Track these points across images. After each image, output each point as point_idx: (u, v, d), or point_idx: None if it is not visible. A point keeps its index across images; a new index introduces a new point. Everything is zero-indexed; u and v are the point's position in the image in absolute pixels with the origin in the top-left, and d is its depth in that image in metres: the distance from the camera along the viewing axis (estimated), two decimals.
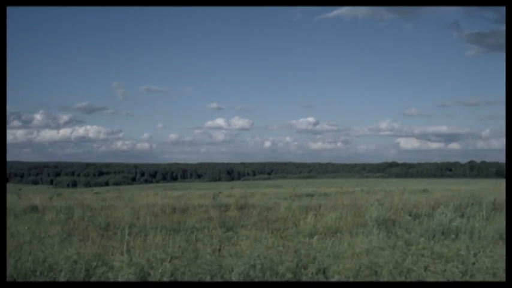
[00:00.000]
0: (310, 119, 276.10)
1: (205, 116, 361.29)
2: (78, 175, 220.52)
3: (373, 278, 6.66)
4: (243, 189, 34.96)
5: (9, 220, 12.43)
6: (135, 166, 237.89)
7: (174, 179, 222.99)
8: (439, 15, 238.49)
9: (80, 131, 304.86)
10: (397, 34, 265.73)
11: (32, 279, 6.81)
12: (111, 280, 6.66)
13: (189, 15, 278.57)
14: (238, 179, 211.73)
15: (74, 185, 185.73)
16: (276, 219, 13.44)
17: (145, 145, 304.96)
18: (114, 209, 16.21)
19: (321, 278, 6.72)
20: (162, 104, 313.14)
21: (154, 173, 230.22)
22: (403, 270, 6.93)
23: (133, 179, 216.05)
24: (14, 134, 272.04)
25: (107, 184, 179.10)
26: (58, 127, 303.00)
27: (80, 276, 6.88)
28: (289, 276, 6.71)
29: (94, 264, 7.22)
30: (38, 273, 6.92)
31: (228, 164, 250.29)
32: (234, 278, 6.70)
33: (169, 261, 7.14)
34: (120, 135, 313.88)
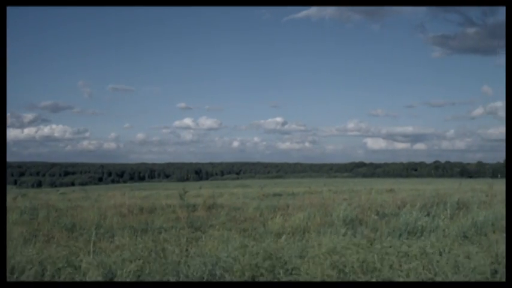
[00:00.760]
0: (279, 119, 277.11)
1: (173, 116, 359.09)
2: (43, 175, 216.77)
3: (340, 277, 6.72)
4: (211, 189, 34.82)
5: None
6: (102, 166, 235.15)
7: (141, 179, 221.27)
8: (405, 17, 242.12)
9: (45, 130, 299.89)
10: (364, 35, 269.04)
11: None
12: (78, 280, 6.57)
13: (157, 16, 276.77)
14: (207, 179, 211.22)
15: (39, 185, 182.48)
16: (244, 219, 13.44)
17: (112, 145, 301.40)
18: (80, 210, 15.96)
19: (288, 278, 6.75)
20: (129, 104, 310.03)
21: (121, 173, 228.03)
22: (370, 269, 7.01)
23: (100, 179, 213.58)
24: None
25: (72, 184, 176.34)
26: (22, 126, 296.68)
27: (44, 278, 6.76)
28: (255, 277, 6.72)
29: (59, 265, 7.11)
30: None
31: (196, 163, 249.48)
32: (201, 278, 6.67)
33: (136, 262, 7.07)
34: (87, 134, 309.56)
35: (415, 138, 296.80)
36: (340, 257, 7.45)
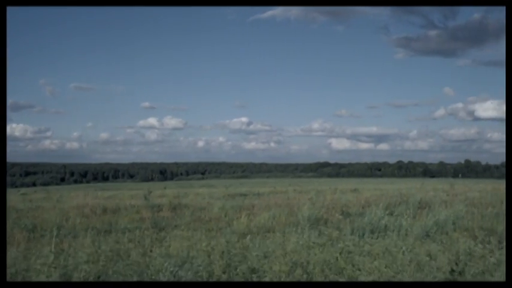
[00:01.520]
0: (244, 119, 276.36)
1: (138, 115, 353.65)
2: None
3: (305, 277, 6.74)
4: (176, 189, 34.64)
5: None
6: (64, 166, 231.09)
7: (105, 179, 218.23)
8: (369, 19, 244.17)
9: None
10: (328, 36, 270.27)
11: None
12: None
13: (120, 14, 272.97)
14: (172, 179, 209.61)
15: None
16: (210, 219, 13.41)
17: (75, 144, 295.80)
18: (42, 211, 15.69)
19: (253, 278, 6.73)
20: (93, 102, 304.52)
21: (84, 173, 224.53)
22: (334, 268, 7.05)
23: (63, 179, 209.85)
24: None
25: (34, 185, 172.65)
26: None
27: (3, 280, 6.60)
28: (221, 277, 6.69)
29: (19, 267, 6.95)
30: None
31: (161, 163, 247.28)
32: (164, 278, 6.61)
33: (98, 263, 6.97)
34: (48, 134, 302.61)
35: (379, 138, 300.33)
36: (305, 256, 7.47)
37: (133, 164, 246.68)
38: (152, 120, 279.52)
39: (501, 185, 31.81)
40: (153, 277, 6.66)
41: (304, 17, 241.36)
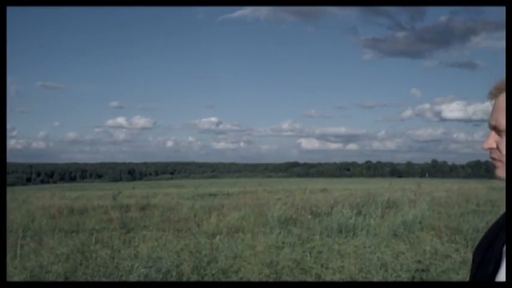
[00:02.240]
0: (213, 119, 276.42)
1: (106, 115, 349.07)
2: None
3: (274, 277, 6.75)
4: (144, 190, 34.36)
5: None
6: (31, 166, 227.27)
7: (72, 179, 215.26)
8: (338, 20, 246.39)
9: None
10: (298, 36, 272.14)
11: None
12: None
13: (90, 13, 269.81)
14: (140, 179, 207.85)
15: None
16: (179, 219, 13.34)
17: (42, 144, 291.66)
18: (7, 211, 15.38)
19: (222, 278, 6.72)
20: (60, 101, 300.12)
21: (51, 173, 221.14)
22: (303, 268, 7.08)
23: (29, 180, 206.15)
24: None
25: None
26: None
27: None
28: (190, 277, 6.66)
29: None
30: None
31: (129, 163, 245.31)
32: (133, 279, 6.55)
33: (65, 264, 6.88)
34: (14, 133, 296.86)
35: (348, 138, 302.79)
36: (274, 256, 7.50)
37: (101, 164, 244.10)
38: (121, 120, 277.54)
39: (466, 185, 32.47)
40: (122, 278, 6.60)
41: (273, 17, 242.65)
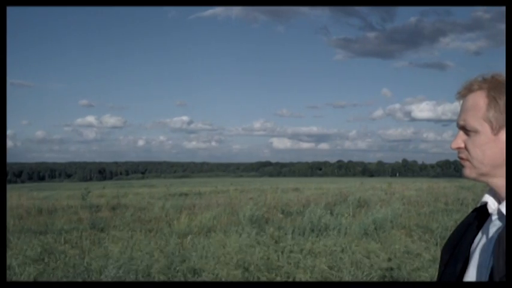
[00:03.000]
0: (185, 118, 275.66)
1: (75, 113, 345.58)
2: None
3: (245, 276, 6.75)
4: (115, 189, 33.98)
5: None
6: None
7: (41, 179, 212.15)
8: (309, 20, 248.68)
9: None
10: (269, 36, 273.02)
11: None
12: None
13: (60, 11, 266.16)
14: (111, 178, 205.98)
15: None
16: (150, 219, 13.24)
17: (9, 143, 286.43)
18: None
19: (192, 278, 6.69)
20: (28, 100, 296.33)
21: (19, 173, 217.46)
22: (274, 267, 7.09)
23: None
24: None
25: None
26: None
27: None
28: (160, 277, 6.61)
29: None
30: None
31: (99, 163, 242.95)
32: (105, 279, 6.48)
33: (33, 265, 6.76)
34: None
35: (319, 138, 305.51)
36: (246, 256, 7.49)
37: (70, 164, 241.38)
38: (90, 118, 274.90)
39: (436, 184, 32.91)
40: (93, 279, 6.52)
41: (245, 16, 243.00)
